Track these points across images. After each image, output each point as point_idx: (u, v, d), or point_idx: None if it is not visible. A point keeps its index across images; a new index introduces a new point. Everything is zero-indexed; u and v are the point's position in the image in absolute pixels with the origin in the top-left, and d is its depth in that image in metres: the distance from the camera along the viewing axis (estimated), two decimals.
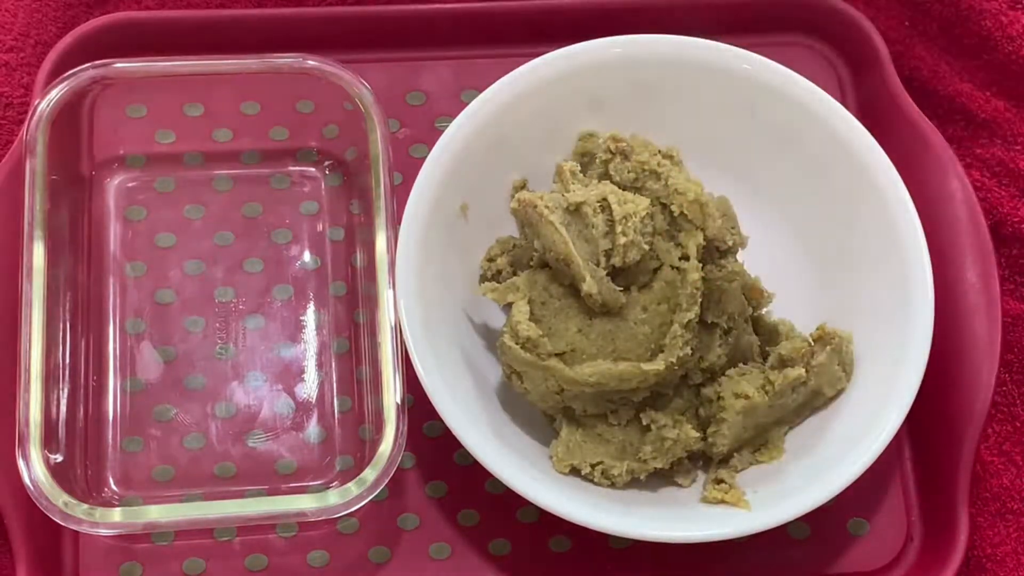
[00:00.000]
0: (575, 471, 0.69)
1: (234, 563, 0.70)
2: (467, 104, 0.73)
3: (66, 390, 0.70)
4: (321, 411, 0.73)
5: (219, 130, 0.79)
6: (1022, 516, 0.74)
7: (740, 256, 0.71)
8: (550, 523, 0.67)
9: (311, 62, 0.74)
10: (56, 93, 0.72)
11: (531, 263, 0.71)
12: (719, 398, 0.68)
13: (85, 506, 0.66)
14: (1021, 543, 0.73)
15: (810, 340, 0.70)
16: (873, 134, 0.72)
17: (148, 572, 0.70)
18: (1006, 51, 0.82)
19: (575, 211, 0.68)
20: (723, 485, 0.69)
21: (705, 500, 0.69)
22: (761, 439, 0.71)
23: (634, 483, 0.69)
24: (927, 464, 0.74)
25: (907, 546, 0.73)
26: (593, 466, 0.69)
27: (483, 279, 0.74)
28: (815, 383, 0.69)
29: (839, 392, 0.70)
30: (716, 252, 0.69)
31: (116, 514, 0.66)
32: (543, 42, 0.76)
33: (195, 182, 0.78)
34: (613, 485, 0.69)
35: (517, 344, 0.67)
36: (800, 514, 0.66)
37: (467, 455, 0.66)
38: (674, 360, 0.66)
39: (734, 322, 0.70)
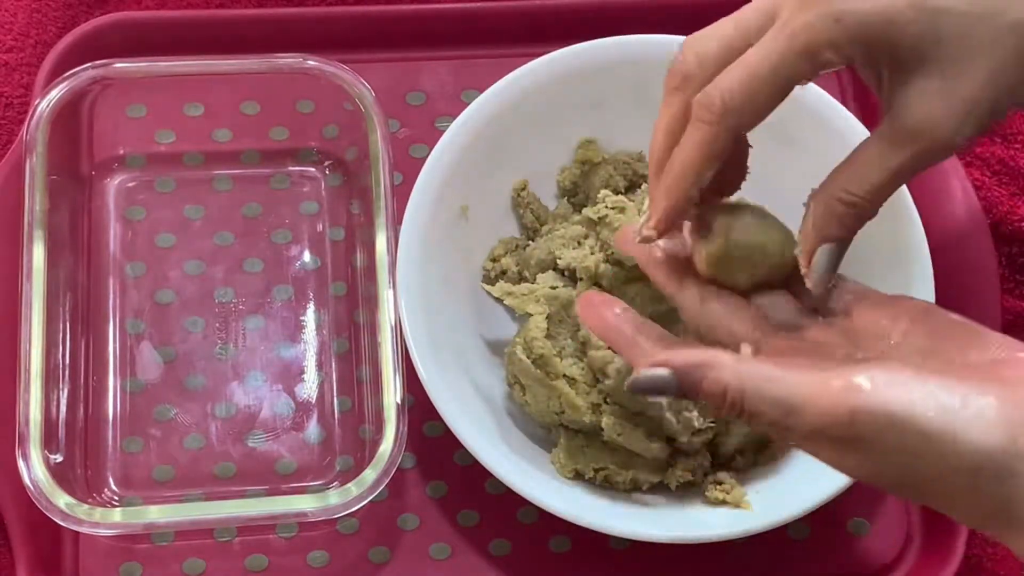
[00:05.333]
0: (578, 475, 0.69)
1: (234, 563, 0.70)
2: (467, 104, 0.73)
3: (66, 390, 0.71)
4: (321, 411, 0.73)
5: (219, 130, 0.79)
6: None
7: None
8: (550, 523, 0.67)
9: (311, 62, 0.74)
10: (56, 93, 0.72)
11: (536, 264, 0.71)
12: None
13: (85, 506, 0.66)
14: None
15: None
16: None
17: (148, 572, 0.70)
18: None
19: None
20: (724, 486, 0.69)
21: (706, 500, 0.69)
22: (764, 440, 0.71)
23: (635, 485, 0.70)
24: None
25: (907, 546, 0.73)
26: (596, 471, 0.69)
27: (487, 279, 0.74)
28: None
29: None
30: None
31: (116, 514, 0.67)
32: (543, 42, 0.76)
33: (195, 182, 0.78)
34: (615, 489, 0.69)
35: (529, 359, 0.67)
36: (800, 514, 0.66)
37: (467, 455, 0.67)
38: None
39: None
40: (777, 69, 0.52)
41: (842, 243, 0.54)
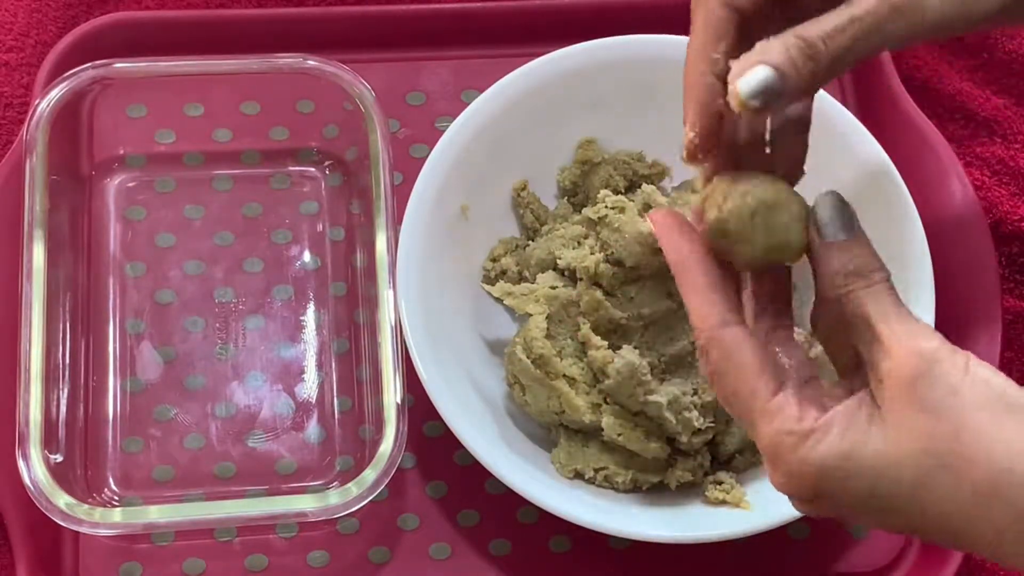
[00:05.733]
0: (578, 475, 0.69)
1: (234, 563, 0.70)
2: (467, 104, 0.73)
3: (66, 390, 0.71)
4: (321, 411, 0.73)
5: (219, 130, 0.79)
6: None
7: None
8: (550, 523, 0.67)
9: (311, 62, 0.74)
10: (56, 93, 0.72)
11: (536, 264, 0.71)
12: None
13: (85, 506, 0.66)
14: None
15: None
16: (873, 134, 0.72)
17: (148, 572, 0.70)
18: (1006, 50, 0.82)
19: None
20: (724, 485, 0.69)
21: (706, 501, 0.69)
22: None
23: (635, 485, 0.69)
24: None
25: (907, 546, 0.73)
26: (596, 471, 0.69)
27: (487, 279, 0.74)
28: None
29: None
30: None
31: (116, 514, 0.67)
32: (543, 42, 0.76)
33: (195, 182, 0.78)
34: (615, 489, 0.69)
35: (529, 359, 0.67)
36: (800, 514, 0.66)
37: (467, 455, 0.67)
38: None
39: None
40: None
41: (780, 75, 0.48)
